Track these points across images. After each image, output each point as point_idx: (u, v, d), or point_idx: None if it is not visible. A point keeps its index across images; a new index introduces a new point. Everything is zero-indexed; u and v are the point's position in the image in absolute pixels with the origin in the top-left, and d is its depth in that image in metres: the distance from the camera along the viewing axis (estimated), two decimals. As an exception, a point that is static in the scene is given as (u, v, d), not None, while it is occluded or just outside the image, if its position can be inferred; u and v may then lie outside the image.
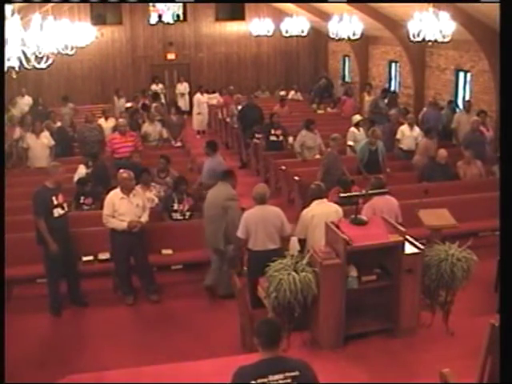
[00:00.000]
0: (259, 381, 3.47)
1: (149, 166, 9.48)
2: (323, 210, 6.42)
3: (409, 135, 11.12)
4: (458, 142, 12.05)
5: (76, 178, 9.75)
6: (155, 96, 16.50)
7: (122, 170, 7.48)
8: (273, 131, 12.28)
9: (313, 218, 6.36)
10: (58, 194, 7.05)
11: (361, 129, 11.63)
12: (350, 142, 11.55)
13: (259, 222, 6.38)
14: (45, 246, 6.91)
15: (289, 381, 3.50)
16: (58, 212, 7.00)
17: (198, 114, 17.37)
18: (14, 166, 11.16)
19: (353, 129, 11.75)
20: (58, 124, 12.68)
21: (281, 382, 3.49)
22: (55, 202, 6.98)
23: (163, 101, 17.78)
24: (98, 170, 9.41)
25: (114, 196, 7.22)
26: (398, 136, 11.24)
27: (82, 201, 8.69)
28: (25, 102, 16.95)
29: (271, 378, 3.48)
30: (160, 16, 21.13)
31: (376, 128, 10.58)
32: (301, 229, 6.45)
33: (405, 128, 11.31)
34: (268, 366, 3.54)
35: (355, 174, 9.93)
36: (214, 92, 18.66)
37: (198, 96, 17.60)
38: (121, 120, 11.03)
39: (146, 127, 12.60)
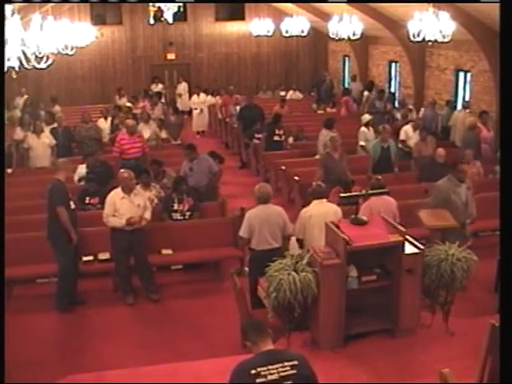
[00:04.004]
0: (259, 369, 3.53)
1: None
2: (321, 210, 6.43)
3: (411, 136, 11.14)
4: (455, 139, 12.12)
5: (76, 177, 9.78)
6: (158, 96, 16.51)
7: (122, 170, 7.51)
8: (277, 131, 12.33)
9: (310, 218, 6.37)
10: (67, 188, 7.17)
11: (371, 128, 11.66)
12: (362, 142, 11.57)
13: (264, 222, 6.40)
14: (61, 240, 6.95)
15: (288, 368, 3.56)
16: (73, 205, 7.15)
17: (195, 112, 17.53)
18: (18, 166, 11.14)
19: (363, 129, 11.77)
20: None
21: (280, 369, 3.55)
22: (69, 195, 7.12)
23: (163, 100, 17.78)
24: (98, 169, 9.39)
25: (115, 195, 7.24)
26: (402, 137, 11.27)
27: (87, 201, 8.68)
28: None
29: (270, 367, 3.55)
30: (162, 11, 20.84)
31: (386, 125, 10.67)
32: (299, 228, 6.48)
33: (408, 128, 11.33)
34: (266, 358, 3.61)
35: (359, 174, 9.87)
36: (212, 94, 18.59)
37: (193, 97, 17.73)
38: (129, 120, 10.96)
39: (141, 127, 12.57)
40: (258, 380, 3.51)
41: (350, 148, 11.68)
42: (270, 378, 3.51)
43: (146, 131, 12.40)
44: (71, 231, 6.98)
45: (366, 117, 12.85)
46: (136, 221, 7.14)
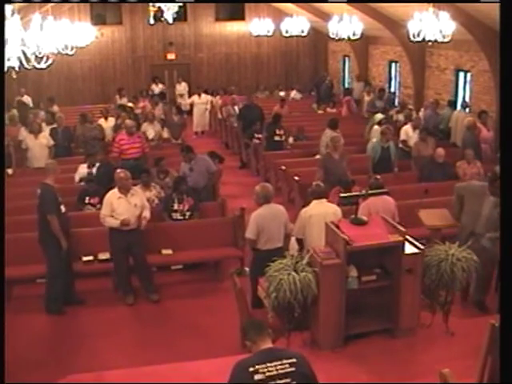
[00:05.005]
0: (257, 367, 3.55)
1: (148, 166, 9.52)
2: (321, 210, 6.43)
3: (412, 135, 11.15)
4: (455, 140, 12.11)
5: (77, 177, 9.78)
6: (161, 96, 16.53)
7: (118, 170, 7.50)
8: (277, 131, 12.35)
9: (310, 218, 6.37)
10: (57, 192, 7.09)
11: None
12: (375, 139, 11.57)
13: (271, 221, 6.41)
14: (53, 244, 6.91)
15: (286, 366, 3.57)
16: (63, 208, 7.10)
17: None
18: (17, 166, 11.12)
19: (377, 127, 11.78)
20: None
21: (279, 367, 3.56)
22: (60, 199, 7.06)
23: (165, 101, 17.80)
24: (102, 170, 9.39)
25: (112, 196, 7.24)
26: (403, 137, 11.27)
27: (87, 201, 8.69)
28: (24, 102, 16.95)
29: (269, 364, 3.56)
30: (162, 11, 20.73)
31: (389, 126, 10.70)
32: (299, 228, 6.48)
33: (408, 128, 11.34)
34: (265, 356, 3.63)
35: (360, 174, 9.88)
36: (212, 94, 18.64)
37: (194, 97, 17.81)
38: (128, 121, 10.96)
39: (145, 127, 12.60)
40: (256, 377, 3.52)
41: (358, 148, 11.71)
42: (268, 374, 3.52)
43: (151, 131, 12.44)
44: (61, 238, 6.91)
45: (379, 116, 12.86)
46: (130, 221, 7.13)
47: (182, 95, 19.74)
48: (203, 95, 17.77)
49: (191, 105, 17.98)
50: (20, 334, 6.51)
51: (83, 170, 9.74)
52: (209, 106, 17.69)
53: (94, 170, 9.53)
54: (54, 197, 6.98)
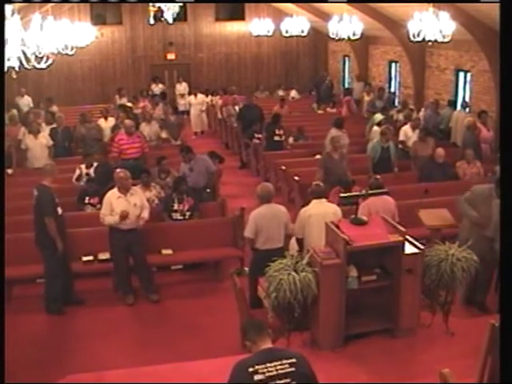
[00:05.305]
0: (257, 367, 3.54)
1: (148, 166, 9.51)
2: (321, 210, 6.42)
3: (411, 135, 11.15)
4: (456, 140, 12.11)
5: (74, 177, 9.77)
6: (162, 96, 16.54)
7: (118, 170, 7.50)
8: (277, 131, 12.35)
9: (310, 217, 6.37)
10: (54, 194, 7.08)
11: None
12: (376, 139, 11.56)
13: (270, 221, 6.42)
14: (50, 245, 6.90)
15: (286, 366, 3.57)
16: (60, 210, 7.08)
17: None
18: (18, 166, 11.11)
19: (376, 128, 11.79)
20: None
21: (279, 367, 3.55)
22: (57, 200, 7.03)
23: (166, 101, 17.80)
24: (100, 169, 9.39)
25: (112, 195, 7.24)
26: (402, 137, 11.26)
27: (87, 201, 8.69)
28: (24, 102, 16.96)
29: (269, 364, 3.56)
30: (162, 11, 20.67)
31: (389, 126, 10.73)
32: (298, 228, 6.48)
33: (407, 129, 11.33)
34: (265, 356, 3.62)
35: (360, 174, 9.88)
36: (212, 94, 18.64)
37: (190, 97, 17.86)
38: (127, 121, 10.95)
39: (143, 127, 12.59)
40: (256, 377, 3.52)
41: (358, 148, 11.70)
42: (268, 375, 3.52)
43: (146, 131, 12.42)
44: (57, 241, 6.90)
45: (379, 116, 12.85)
46: (128, 213, 7.11)
47: (182, 95, 19.74)
48: (199, 95, 17.76)
49: (190, 105, 17.99)
50: (20, 334, 6.51)
51: (81, 170, 9.73)
52: (204, 107, 17.68)
53: (92, 170, 9.53)
54: (51, 198, 6.96)
